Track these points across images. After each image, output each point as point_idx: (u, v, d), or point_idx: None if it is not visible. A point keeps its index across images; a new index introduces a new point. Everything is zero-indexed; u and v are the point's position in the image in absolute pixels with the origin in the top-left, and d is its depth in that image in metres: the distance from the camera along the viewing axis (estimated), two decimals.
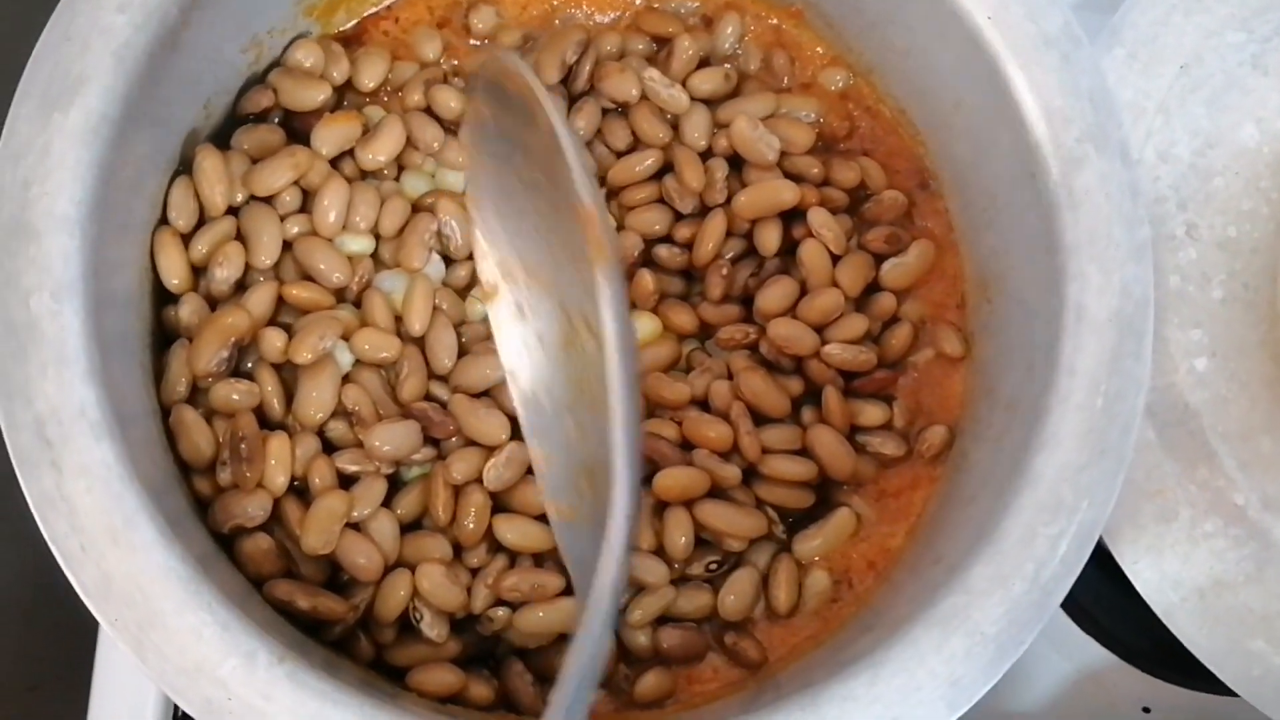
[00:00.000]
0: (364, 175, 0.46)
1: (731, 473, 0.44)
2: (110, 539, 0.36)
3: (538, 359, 0.38)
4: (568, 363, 0.36)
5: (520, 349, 0.38)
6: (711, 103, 0.48)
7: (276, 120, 0.46)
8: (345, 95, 0.48)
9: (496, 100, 0.36)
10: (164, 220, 0.43)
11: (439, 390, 0.44)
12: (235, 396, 0.42)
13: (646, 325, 0.47)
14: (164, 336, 0.43)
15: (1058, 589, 0.39)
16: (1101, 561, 0.47)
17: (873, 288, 0.47)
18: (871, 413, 0.46)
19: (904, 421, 0.46)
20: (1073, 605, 0.57)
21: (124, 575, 0.35)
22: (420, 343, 0.44)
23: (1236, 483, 0.46)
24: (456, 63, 0.49)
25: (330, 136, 0.45)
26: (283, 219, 0.44)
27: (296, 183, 0.44)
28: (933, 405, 0.47)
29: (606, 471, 0.31)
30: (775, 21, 0.50)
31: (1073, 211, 0.41)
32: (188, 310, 0.42)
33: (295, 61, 0.47)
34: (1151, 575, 0.46)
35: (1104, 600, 0.55)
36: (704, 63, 0.49)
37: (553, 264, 0.36)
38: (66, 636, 0.49)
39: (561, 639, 0.42)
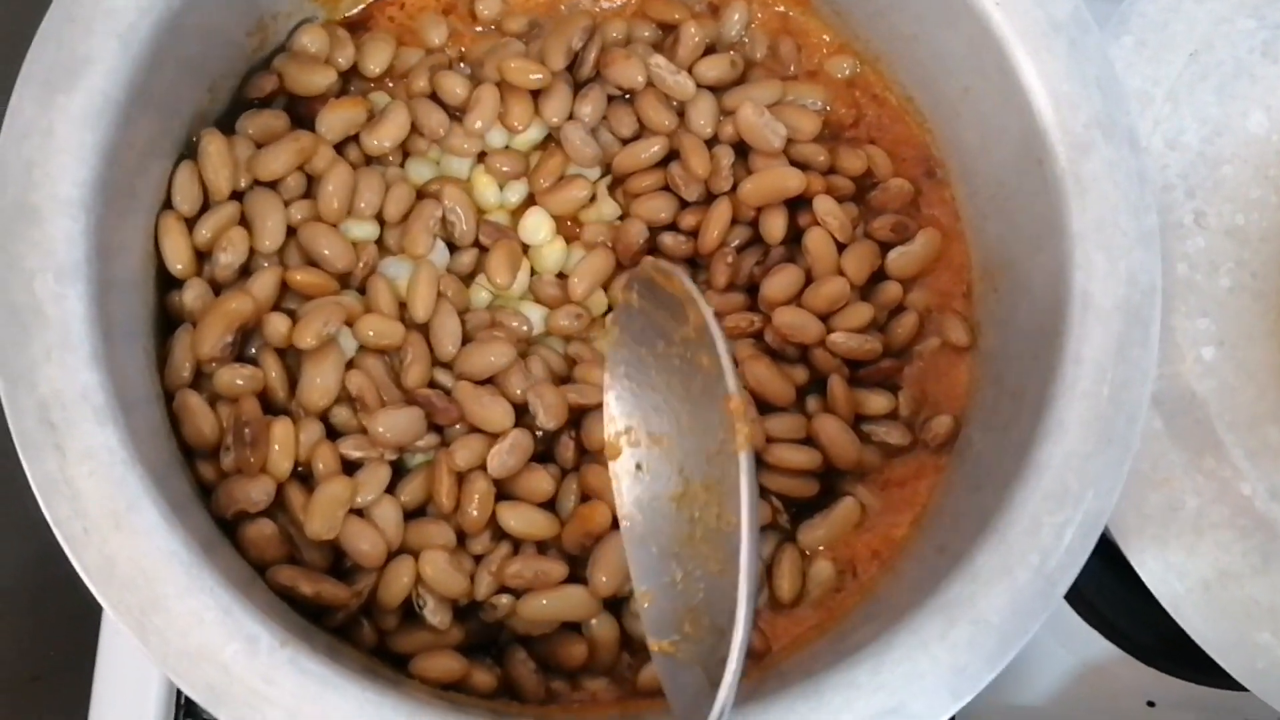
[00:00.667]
0: (368, 161, 0.46)
1: None
2: (113, 523, 0.36)
3: (650, 512, 0.40)
4: (678, 517, 0.39)
5: (635, 500, 0.41)
6: (717, 90, 0.48)
7: (281, 105, 0.46)
8: (350, 81, 0.48)
9: (649, 294, 0.41)
10: (168, 204, 0.43)
11: (443, 377, 0.44)
12: (239, 381, 0.41)
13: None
14: (168, 321, 0.43)
15: (1063, 578, 0.39)
16: (1106, 554, 0.47)
17: (879, 276, 0.47)
18: (877, 401, 0.46)
19: (909, 410, 0.46)
20: (1077, 598, 0.57)
21: (127, 559, 0.35)
22: (424, 329, 0.44)
23: (1244, 472, 0.46)
24: (463, 49, 0.49)
25: (335, 121, 0.45)
26: (287, 204, 0.44)
27: (301, 168, 0.44)
28: (938, 394, 0.47)
29: (709, 616, 0.36)
30: (782, 9, 0.50)
31: (1080, 199, 0.41)
32: (191, 295, 0.42)
33: (301, 46, 0.46)
34: (1157, 565, 0.46)
35: (1108, 593, 0.55)
36: (710, 49, 0.49)
37: (677, 434, 0.40)
38: (70, 625, 0.49)
39: (564, 627, 0.42)
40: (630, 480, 0.41)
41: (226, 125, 0.45)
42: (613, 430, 0.42)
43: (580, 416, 0.44)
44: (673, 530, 0.40)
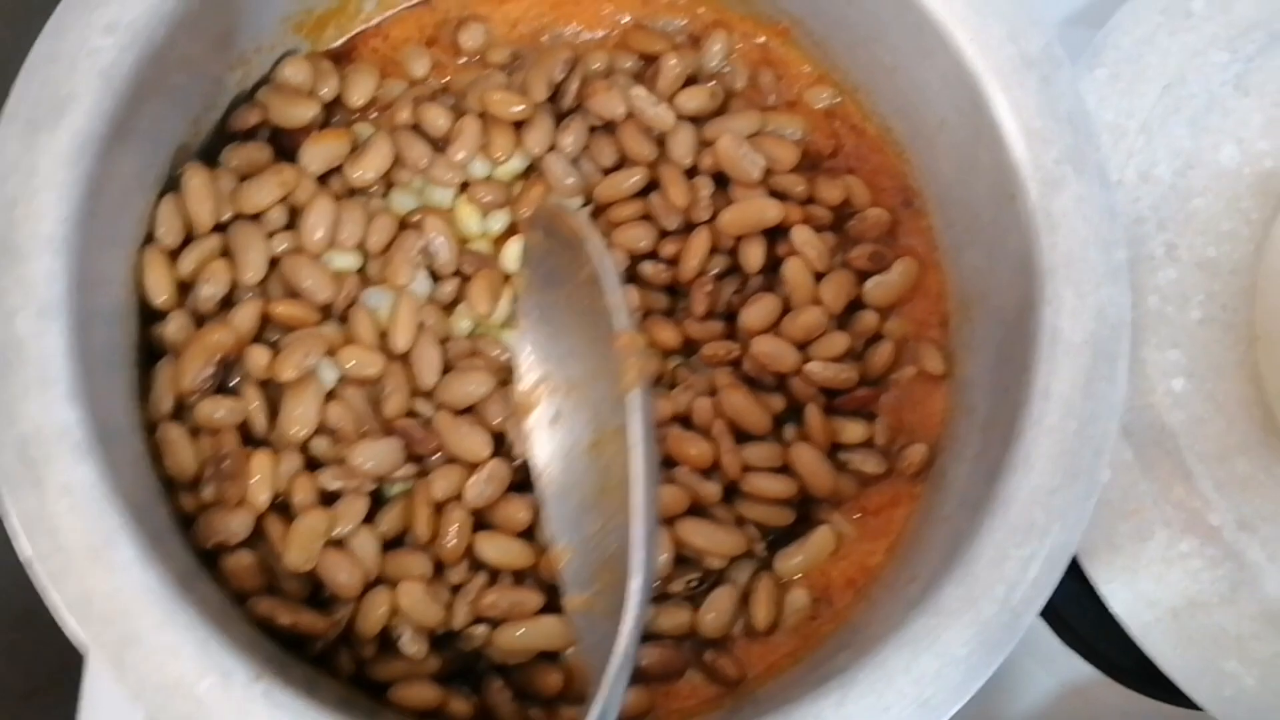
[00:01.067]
0: (352, 192, 0.47)
1: (712, 490, 0.44)
2: (91, 557, 0.36)
3: (567, 463, 0.42)
4: (593, 467, 0.41)
5: (552, 452, 0.42)
6: (698, 120, 0.48)
7: (265, 137, 0.47)
8: (334, 112, 0.48)
9: (552, 234, 0.41)
10: (152, 237, 0.44)
11: (423, 407, 0.44)
12: (219, 413, 0.42)
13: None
14: (151, 352, 0.44)
15: (1028, 611, 0.39)
16: (1084, 576, 0.48)
17: (856, 304, 0.48)
18: (853, 430, 0.46)
19: (885, 439, 0.47)
20: (1056, 619, 0.57)
21: (104, 593, 0.36)
22: (404, 359, 0.44)
23: (1213, 503, 0.46)
24: (446, 80, 0.49)
25: (318, 153, 0.45)
26: (270, 235, 0.44)
27: (284, 200, 0.45)
28: (914, 423, 0.47)
29: (622, 567, 0.36)
30: (763, 40, 0.50)
31: (1050, 234, 0.42)
32: (173, 327, 0.43)
33: (284, 78, 0.47)
34: (1126, 594, 0.46)
35: (1087, 615, 0.55)
36: (691, 80, 0.49)
37: (590, 380, 0.41)
38: (60, 645, 0.49)
39: (541, 656, 0.43)
40: (548, 432, 0.42)
41: (211, 158, 0.46)
42: (530, 381, 0.42)
43: None
44: (590, 481, 0.41)
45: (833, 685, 0.38)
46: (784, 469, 0.46)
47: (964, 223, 0.46)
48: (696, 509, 0.45)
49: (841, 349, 0.46)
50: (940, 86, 0.45)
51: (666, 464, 0.45)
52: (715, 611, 0.44)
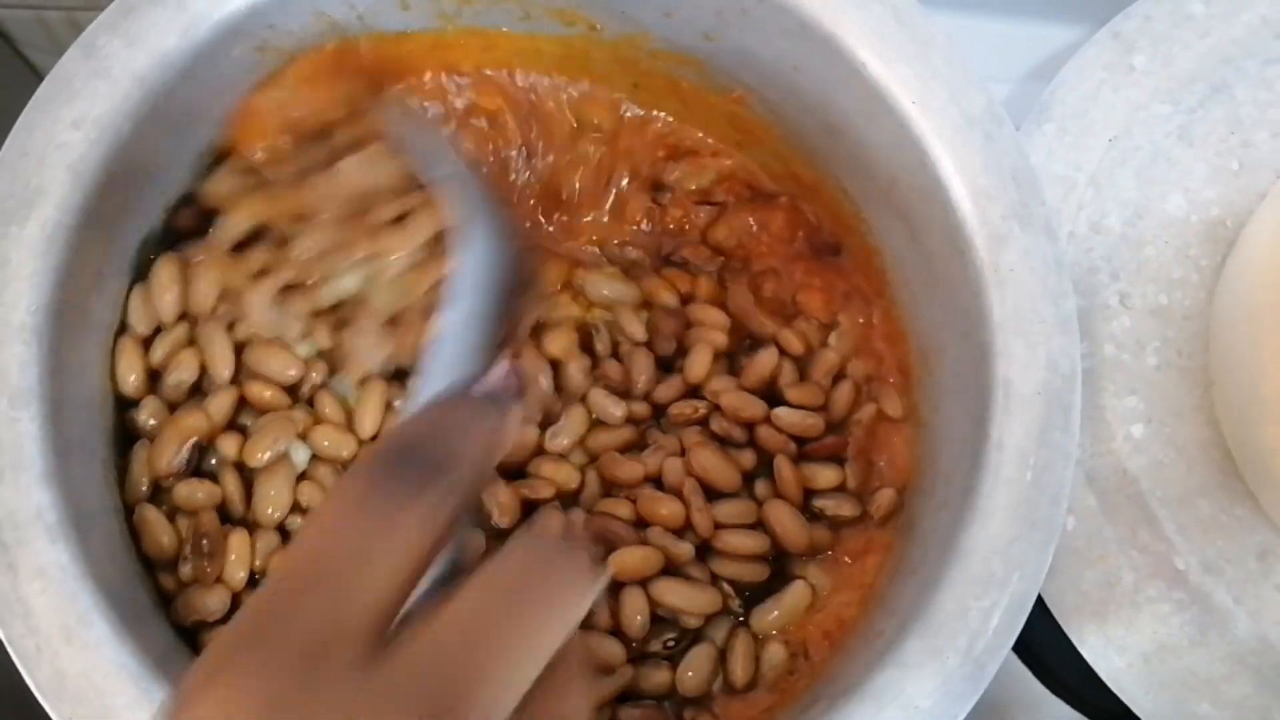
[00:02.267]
0: None
1: (685, 550, 0.45)
2: (64, 638, 0.37)
3: None
4: None
5: None
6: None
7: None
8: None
9: None
10: (125, 326, 0.45)
11: None
12: (198, 495, 0.43)
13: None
14: (127, 437, 0.45)
15: (991, 661, 0.39)
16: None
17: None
18: (825, 475, 0.47)
19: (857, 482, 0.47)
20: (1040, 665, 0.57)
21: (77, 673, 0.37)
22: (373, 441, 0.45)
23: (1177, 546, 0.47)
24: None
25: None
26: (230, 326, 0.45)
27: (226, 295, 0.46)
28: (883, 467, 0.48)
29: None
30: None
31: (999, 289, 0.42)
32: (145, 414, 0.44)
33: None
34: (1096, 640, 0.47)
35: (1071, 661, 0.56)
36: None
37: None
38: None
39: None
40: None
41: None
42: None
43: (533, 511, 0.46)
44: None
45: None
46: (758, 525, 0.46)
47: (919, 279, 0.47)
48: (671, 569, 0.45)
49: (807, 397, 0.47)
50: (888, 148, 0.46)
51: (639, 525, 0.46)
52: (694, 670, 0.45)
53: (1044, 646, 0.55)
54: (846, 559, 0.47)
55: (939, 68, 0.44)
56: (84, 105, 0.41)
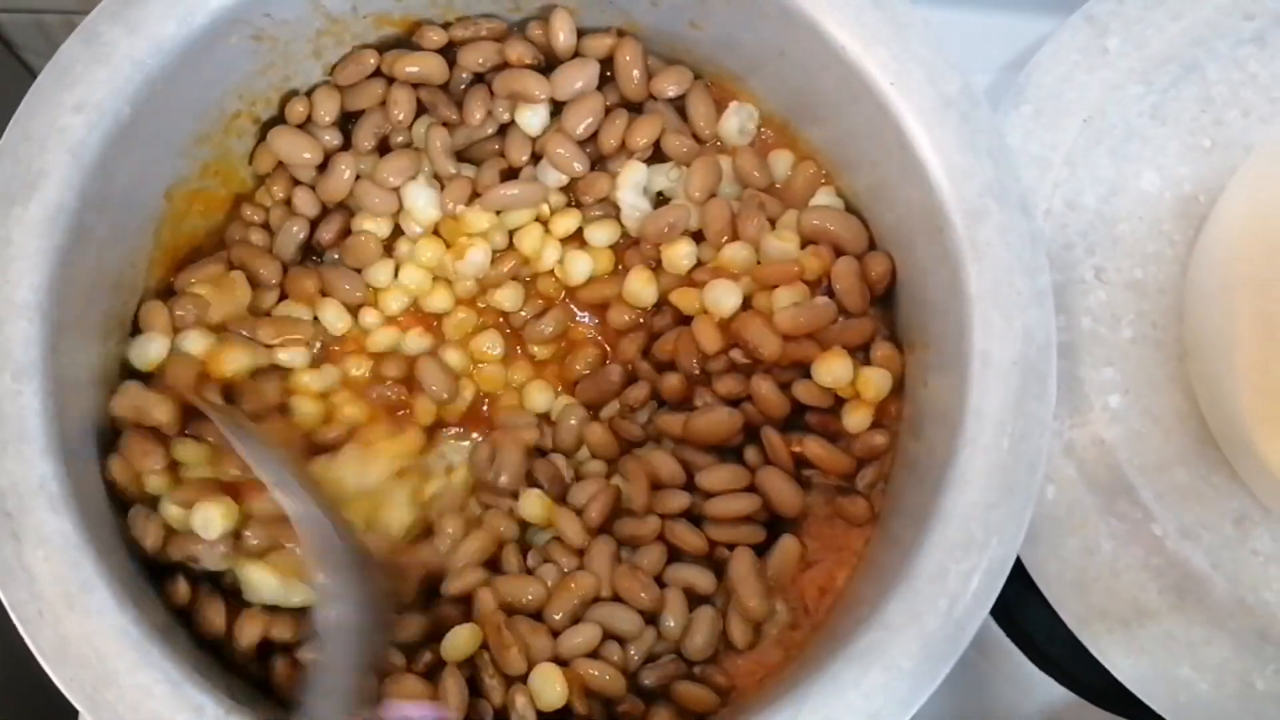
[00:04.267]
0: None
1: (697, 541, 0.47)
2: (67, 604, 0.38)
3: None
4: None
5: None
6: None
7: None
8: None
9: None
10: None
11: None
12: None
13: None
14: None
15: (970, 623, 0.40)
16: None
17: None
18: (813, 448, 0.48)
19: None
20: (1029, 644, 0.58)
21: (79, 638, 0.38)
22: None
23: (1154, 514, 0.48)
24: None
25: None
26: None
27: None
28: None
29: None
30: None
31: (977, 262, 0.43)
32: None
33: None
34: (1078, 608, 0.47)
35: (1059, 639, 0.56)
36: None
37: None
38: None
39: None
40: None
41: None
42: None
43: None
44: None
45: (784, 702, 0.40)
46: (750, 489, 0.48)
47: (899, 258, 0.48)
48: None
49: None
50: (868, 130, 0.47)
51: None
52: (700, 634, 0.46)
53: (1031, 623, 0.55)
54: (836, 530, 0.48)
55: (917, 50, 0.45)
56: (84, 90, 0.43)
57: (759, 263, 0.49)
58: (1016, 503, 0.41)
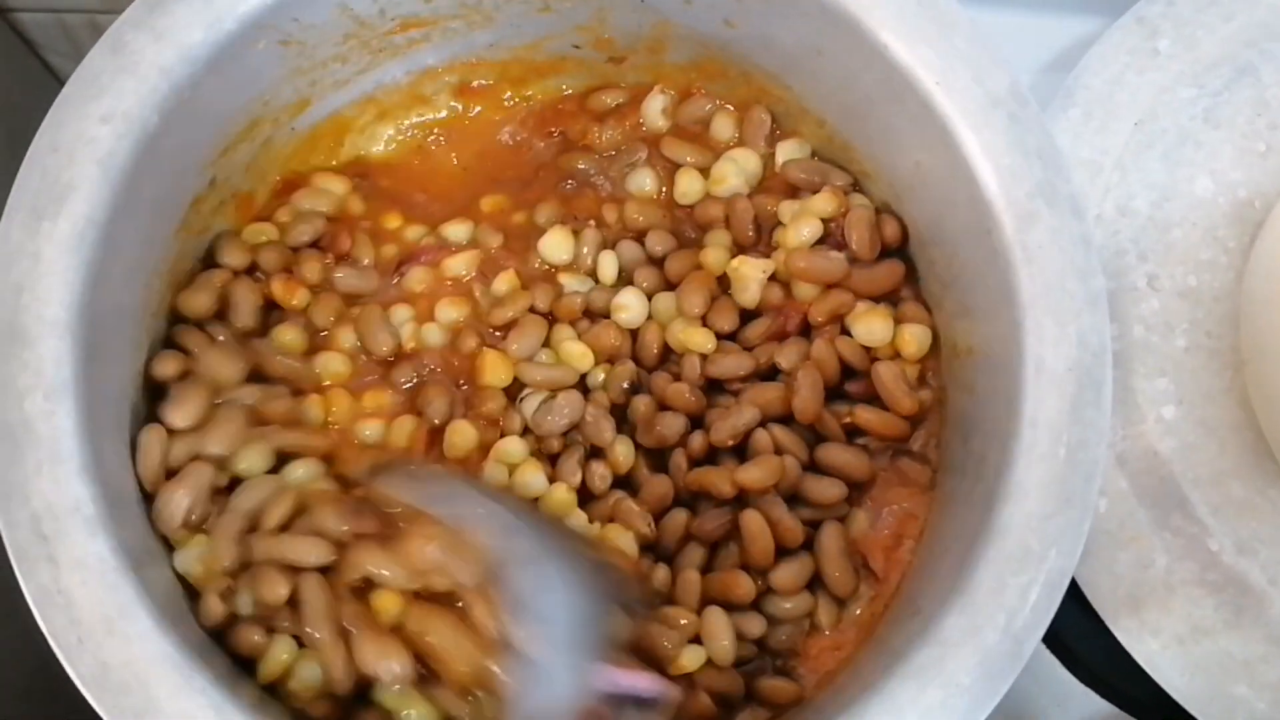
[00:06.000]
0: None
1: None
2: (106, 629, 0.37)
3: None
4: None
5: None
6: None
7: None
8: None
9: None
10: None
11: None
12: None
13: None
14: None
15: (1030, 638, 0.39)
16: (1095, 613, 0.48)
17: None
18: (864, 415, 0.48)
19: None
20: (1070, 656, 0.57)
21: (120, 664, 0.37)
22: None
23: (1210, 528, 0.47)
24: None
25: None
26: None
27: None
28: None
29: None
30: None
31: (1028, 266, 0.42)
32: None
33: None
34: (1131, 624, 0.46)
35: (1101, 651, 0.55)
36: None
37: None
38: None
39: None
40: None
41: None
42: None
43: None
44: None
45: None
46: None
47: (944, 261, 0.47)
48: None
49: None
50: (912, 130, 0.46)
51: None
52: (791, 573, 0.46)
53: (1073, 636, 0.54)
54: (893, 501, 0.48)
55: (962, 49, 0.44)
56: (112, 100, 0.42)
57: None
58: (1074, 513, 0.40)
